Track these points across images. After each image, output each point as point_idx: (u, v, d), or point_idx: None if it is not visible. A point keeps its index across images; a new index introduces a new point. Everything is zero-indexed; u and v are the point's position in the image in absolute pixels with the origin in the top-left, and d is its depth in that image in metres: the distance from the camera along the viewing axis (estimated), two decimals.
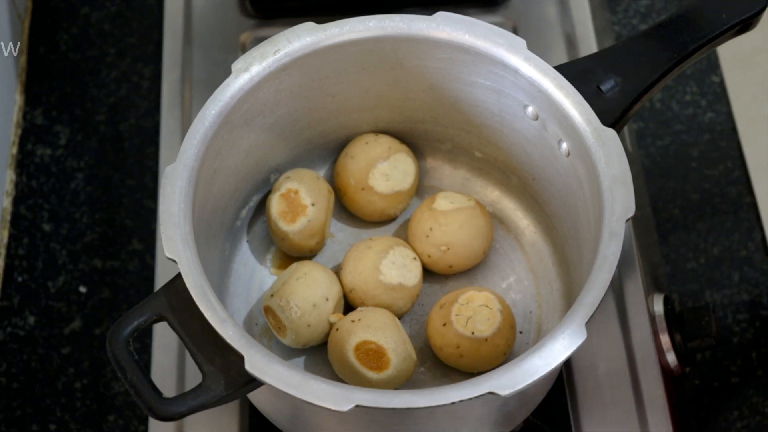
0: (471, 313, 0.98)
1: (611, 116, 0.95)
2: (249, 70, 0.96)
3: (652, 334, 1.06)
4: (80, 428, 1.08)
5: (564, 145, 0.97)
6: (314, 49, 0.97)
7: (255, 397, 0.99)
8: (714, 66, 1.26)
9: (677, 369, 1.06)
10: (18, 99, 1.25)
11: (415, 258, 1.02)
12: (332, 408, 0.82)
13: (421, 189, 1.10)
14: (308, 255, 1.05)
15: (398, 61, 1.00)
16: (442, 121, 1.06)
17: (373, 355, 0.95)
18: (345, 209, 1.08)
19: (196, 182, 0.92)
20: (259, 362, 0.84)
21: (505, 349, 0.98)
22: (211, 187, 0.96)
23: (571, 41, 1.22)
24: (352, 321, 0.97)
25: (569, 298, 1.01)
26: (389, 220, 1.08)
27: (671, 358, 1.05)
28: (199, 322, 0.87)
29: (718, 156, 1.21)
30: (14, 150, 1.22)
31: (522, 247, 1.07)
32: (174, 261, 0.88)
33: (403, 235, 1.07)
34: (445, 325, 0.98)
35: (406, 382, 0.99)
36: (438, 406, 0.83)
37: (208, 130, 0.94)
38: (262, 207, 1.07)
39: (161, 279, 1.10)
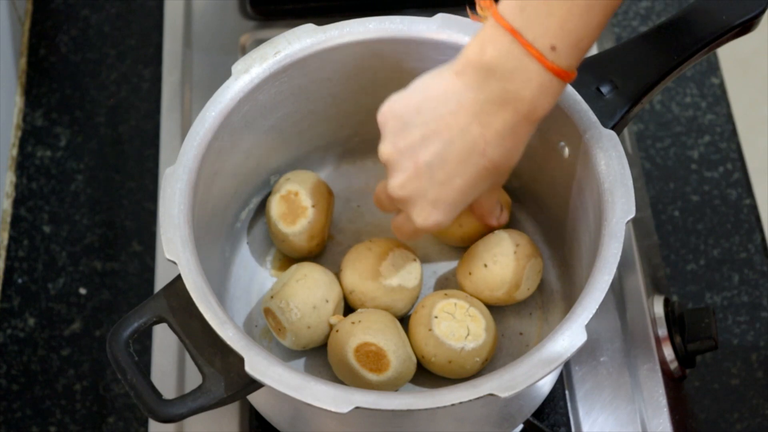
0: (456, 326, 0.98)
1: (611, 118, 0.95)
2: (249, 72, 0.96)
3: (652, 335, 1.06)
4: (80, 430, 1.08)
5: (564, 147, 0.97)
6: (314, 50, 0.97)
7: (255, 398, 0.99)
8: (714, 68, 1.26)
9: (677, 371, 1.06)
10: (18, 101, 1.25)
11: (415, 259, 1.02)
12: (332, 410, 0.82)
13: None
14: (308, 257, 1.05)
15: (398, 62, 1.00)
16: None
17: (373, 356, 0.95)
18: (345, 211, 1.08)
19: (196, 184, 0.92)
20: (259, 364, 0.84)
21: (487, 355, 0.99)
22: (211, 189, 0.96)
23: None
24: (352, 323, 0.97)
25: (569, 299, 1.01)
26: None
27: (671, 359, 1.05)
28: (199, 324, 0.87)
29: (718, 158, 1.22)
30: (14, 152, 1.22)
31: None
32: (174, 263, 0.88)
33: None
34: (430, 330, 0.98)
35: (406, 383, 0.99)
36: (438, 407, 0.83)
37: (208, 131, 0.94)
38: (262, 209, 1.07)
39: (161, 281, 1.10)
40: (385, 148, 0.90)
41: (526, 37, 0.82)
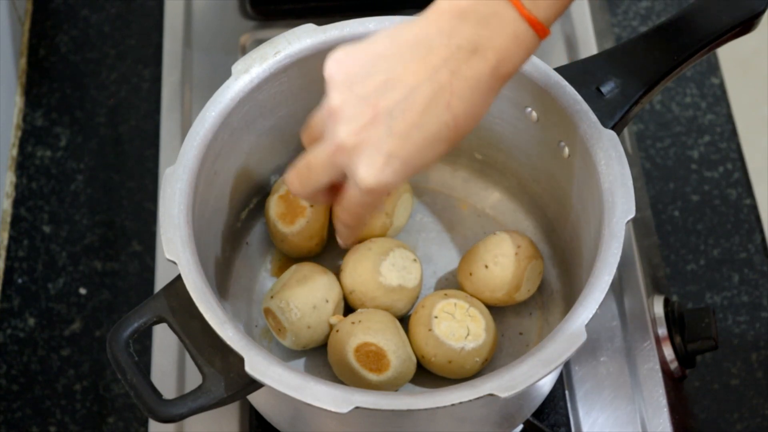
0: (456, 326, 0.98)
1: (611, 118, 0.95)
2: (249, 72, 0.96)
3: (653, 335, 1.06)
4: (80, 430, 1.08)
5: (564, 147, 0.97)
6: (314, 50, 0.97)
7: (255, 398, 0.99)
8: (714, 68, 1.26)
9: (677, 371, 1.06)
10: (18, 101, 1.25)
11: (415, 260, 1.02)
12: (332, 410, 0.82)
13: (421, 191, 1.09)
14: (308, 256, 1.05)
15: None
16: None
17: (373, 356, 0.95)
18: None
19: (195, 184, 0.92)
20: (259, 364, 0.84)
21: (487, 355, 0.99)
22: (210, 189, 0.96)
23: (571, 43, 1.22)
24: (352, 323, 0.97)
25: (569, 299, 1.01)
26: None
27: (671, 359, 1.05)
28: (199, 324, 0.87)
29: (718, 158, 1.22)
30: (14, 152, 1.22)
31: None
32: (174, 263, 0.88)
33: (404, 238, 1.07)
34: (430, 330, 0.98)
35: (406, 383, 0.99)
36: (438, 407, 0.83)
37: (208, 132, 0.94)
38: (262, 209, 1.07)
39: (161, 281, 1.10)
40: (339, 95, 0.83)
41: None
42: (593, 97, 0.95)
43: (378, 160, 0.82)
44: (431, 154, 0.83)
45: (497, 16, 0.81)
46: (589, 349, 1.05)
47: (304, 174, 0.88)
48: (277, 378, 0.84)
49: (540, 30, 0.82)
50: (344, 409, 0.82)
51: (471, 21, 0.81)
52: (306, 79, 0.99)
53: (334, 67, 0.84)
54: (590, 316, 0.86)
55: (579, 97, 0.94)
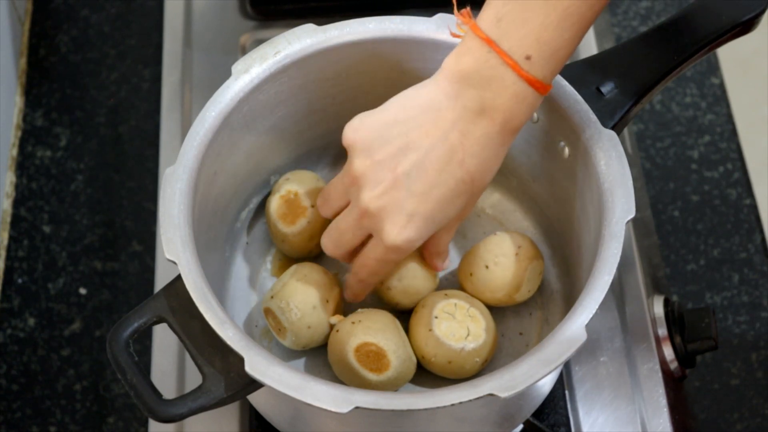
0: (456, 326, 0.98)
1: (611, 118, 0.95)
2: (249, 72, 0.96)
3: (652, 335, 1.06)
4: (80, 430, 1.08)
5: (564, 147, 0.97)
6: (314, 50, 0.97)
7: (255, 398, 0.99)
8: (714, 68, 1.27)
9: (677, 371, 1.06)
10: (18, 101, 1.25)
11: None
12: (332, 410, 0.82)
13: None
14: (308, 257, 1.05)
15: (398, 62, 1.00)
16: None
17: (374, 356, 0.95)
18: None
19: (196, 184, 0.92)
20: (259, 364, 0.84)
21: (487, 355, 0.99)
22: (211, 189, 0.96)
23: None
24: (353, 323, 0.97)
25: (569, 299, 1.01)
26: None
27: (671, 359, 1.05)
28: (199, 324, 0.87)
29: (718, 158, 1.22)
30: (14, 152, 1.22)
31: None
32: (174, 263, 0.88)
33: None
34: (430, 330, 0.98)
35: (406, 383, 0.99)
36: (438, 407, 0.83)
37: (208, 131, 0.94)
38: (262, 209, 1.07)
39: (161, 281, 1.10)
40: (360, 163, 0.89)
41: (501, 47, 0.84)
42: (593, 97, 0.95)
43: (401, 219, 0.88)
44: (452, 209, 0.89)
45: (497, 79, 0.85)
46: (589, 349, 1.05)
47: (335, 237, 0.95)
48: (277, 378, 0.84)
49: (540, 88, 0.85)
50: (344, 409, 0.82)
51: (474, 84, 0.85)
52: (306, 79, 0.99)
53: (352, 135, 0.89)
54: (590, 316, 0.86)
55: (579, 97, 0.94)
